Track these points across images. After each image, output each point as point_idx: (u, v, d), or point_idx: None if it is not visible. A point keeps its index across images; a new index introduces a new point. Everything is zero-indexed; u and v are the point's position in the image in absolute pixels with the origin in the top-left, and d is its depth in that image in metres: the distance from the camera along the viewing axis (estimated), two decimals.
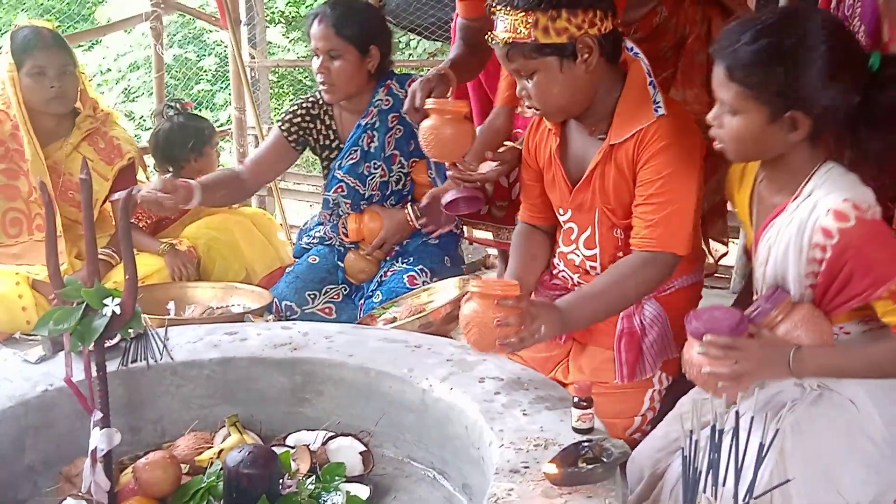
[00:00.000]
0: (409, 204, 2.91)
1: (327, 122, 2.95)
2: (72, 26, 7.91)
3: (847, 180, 1.65)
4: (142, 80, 8.61)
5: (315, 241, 3.08)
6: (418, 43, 7.87)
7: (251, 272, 3.41)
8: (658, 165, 1.96)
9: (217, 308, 2.86)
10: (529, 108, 2.07)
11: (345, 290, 2.96)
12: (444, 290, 2.64)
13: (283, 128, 2.92)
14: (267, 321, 2.60)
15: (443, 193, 2.61)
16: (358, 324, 2.57)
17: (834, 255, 1.61)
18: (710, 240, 2.81)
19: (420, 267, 2.81)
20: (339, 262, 2.98)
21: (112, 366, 1.79)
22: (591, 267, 2.17)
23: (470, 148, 2.29)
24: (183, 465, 1.69)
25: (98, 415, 1.50)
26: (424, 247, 2.89)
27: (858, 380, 1.66)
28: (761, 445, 1.29)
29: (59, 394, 1.74)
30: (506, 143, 2.52)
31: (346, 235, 2.95)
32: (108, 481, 1.51)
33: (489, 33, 1.97)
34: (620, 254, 2.08)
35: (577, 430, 1.57)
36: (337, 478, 1.68)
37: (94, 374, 1.51)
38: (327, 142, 2.97)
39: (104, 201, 3.24)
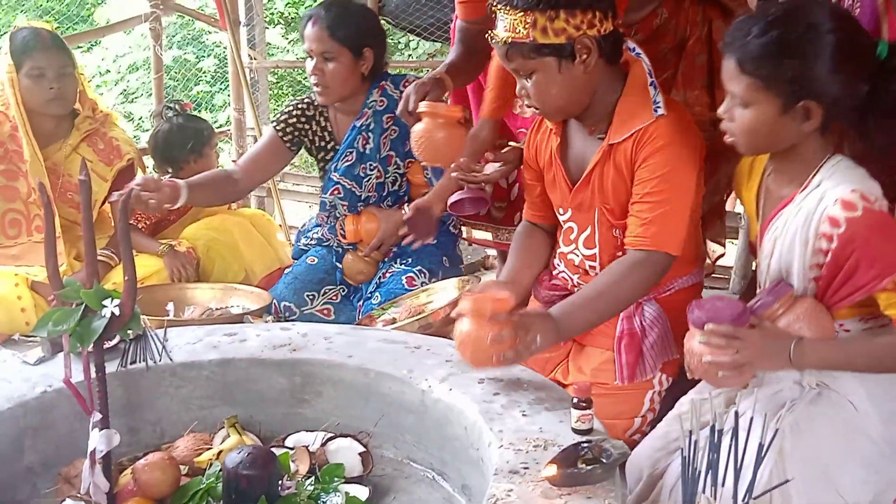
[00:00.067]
0: (405, 204, 2.90)
1: (322, 124, 2.95)
2: (71, 27, 7.92)
3: (856, 173, 1.66)
4: (141, 82, 8.61)
5: (313, 242, 3.08)
6: (418, 44, 7.88)
7: (250, 273, 3.41)
8: (655, 164, 1.96)
9: (216, 309, 2.86)
10: (529, 107, 2.07)
11: (343, 291, 2.96)
12: (443, 291, 2.64)
13: (278, 128, 2.92)
14: (266, 322, 2.60)
15: (426, 205, 2.63)
16: (357, 325, 2.57)
17: (840, 244, 1.61)
18: (707, 241, 2.81)
19: (418, 268, 2.81)
20: (338, 264, 2.98)
21: (111, 367, 1.78)
22: (590, 266, 2.17)
23: (461, 153, 2.29)
24: (182, 467, 1.69)
25: (97, 416, 1.50)
26: (423, 247, 2.88)
27: (857, 379, 1.66)
28: (760, 445, 1.29)
29: (58, 395, 1.74)
30: (510, 143, 2.52)
31: (344, 237, 2.95)
32: (107, 482, 1.50)
33: (489, 32, 1.97)
34: (620, 253, 2.08)
35: (576, 431, 1.57)
36: (336, 479, 1.67)
37: (94, 375, 1.51)
38: (323, 143, 2.97)
39: (103, 202, 3.24)
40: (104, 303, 1.46)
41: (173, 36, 8.46)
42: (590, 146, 2.08)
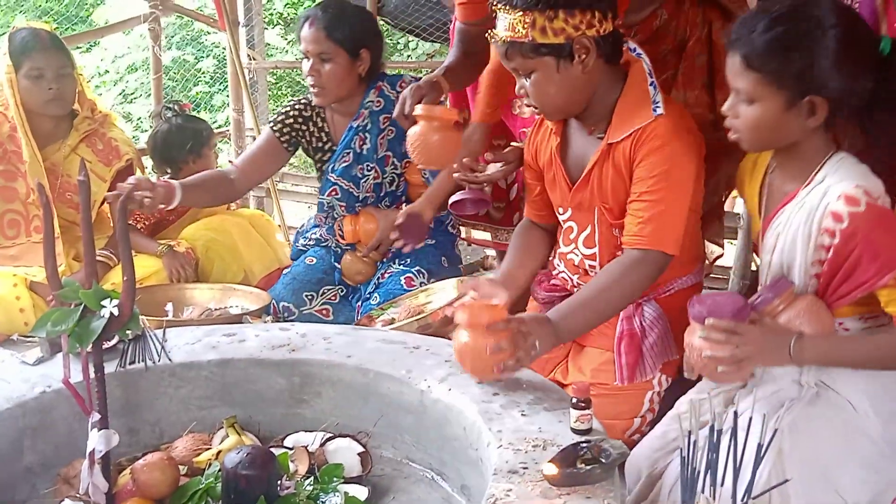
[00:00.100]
0: (403, 204, 2.90)
1: (319, 125, 2.95)
2: (70, 28, 7.91)
3: (859, 169, 1.67)
4: (140, 82, 8.61)
5: (311, 242, 3.08)
6: (417, 44, 7.88)
7: (249, 273, 3.41)
8: (653, 163, 1.96)
9: (215, 309, 2.86)
10: (528, 106, 2.08)
11: (342, 291, 2.96)
12: (442, 291, 2.64)
13: (275, 129, 2.92)
14: (265, 322, 2.60)
15: (417, 211, 2.64)
16: (356, 325, 2.57)
17: (842, 239, 1.62)
18: (705, 241, 2.81)
19: (417, 268, 2.81)
20: (336, 264, 2.98)
21: (110, 367, 1.78)
22: (590, 266, 2.17)
23: (457, 156, 2.29)
24: (181, 467, 1.69)
25: (96, 416, 1.50)
26: (421, 248, 2.89)
27: (856, 379, 1.66)
28: (759, 445, 1.29)
29: (57, 395, 1.74)
30: (512, 143, 2.52)
31: (343, 237, 2.95)
32: (106, 483, 1.51)
33: (490, 31, 1.97)
34: (619, 253, 2.08)
35: (575, 431, 1.57)
36: (335, 479, 1.67)
37: (93, 375, 1.51)
38: (320, 144, 2.96)
39: (102, 203, 3.24)
40: (103, 303, 1.46)
41: (172, 36, 8.45)
42: (589, 146, 2.08)
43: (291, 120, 2.92)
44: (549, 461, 1.43)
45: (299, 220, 4.23)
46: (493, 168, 2.38)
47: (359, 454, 1.76)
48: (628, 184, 2.02)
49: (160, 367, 1.89)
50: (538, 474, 1.43)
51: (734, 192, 3.07)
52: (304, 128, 2.94)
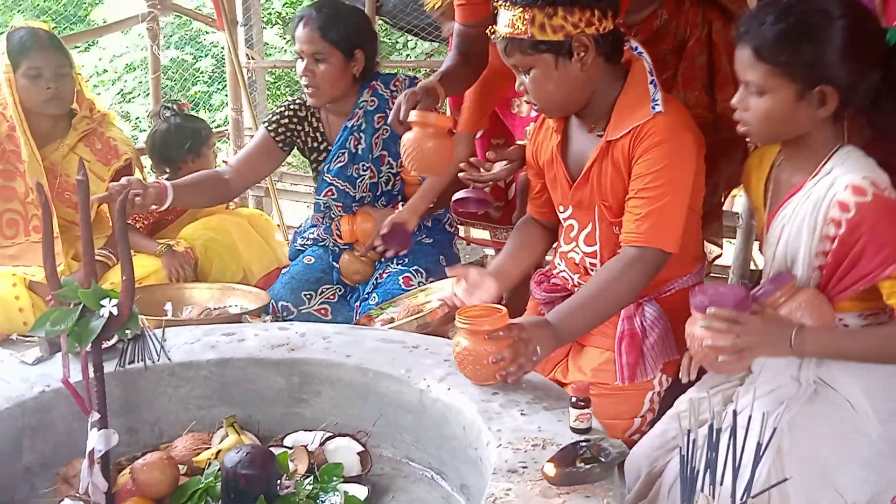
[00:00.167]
0: (400, 203, 2.90)
1: (314, 125, 2.95)
2: (68, 27, 7.91)
3: (866, 162, 1.67)
4: (138, 81, 8.62)
5: (309, 242, 3.08)
6: (416, 44, 7.89)
7: (248, 273, 3.40)
8: (651, 160, 1.95)
9: (214, 309, 2.86)
10: (527, 103, 2.08)
11: (340, 290, 2.96)
12: (441, 291, 2.63)
13: (269, 128, 2.91)
14: (264, 322, 2.60)
15: (401, 220, 2.66)
16: (355, 324, 2.57)
17: (848, 229, 1.62)
18: (704, 241, 2.81)
19: (415, 268, 2.81)
20: (334, 263, 2.97)
21: (109, 367, 1.78)
22: (591, 264, 2.16)
23: (451, 163, 2.29)
24: (181, 466, 1.69)
25: (95, 416, 1.49)
26: (419, 247, 2.89)
27: (855, 377, 1.66)
28: (759, 444, 1.29)
29: (56, 395, 1.74)
30: (518, 141, 2.52)
31: (340, 237, 2.95)
32: (106, 482, 1.50)
33: (491, 27, 1.97)
34: (620, 250, 2.08)
35: (574, 430, 1.57)
36: (335, 478, 1.67)
37: (92, 375, 1.51)
38: (315, 144, 2.96)
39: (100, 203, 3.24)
40: (102, 302, 1.46)
41: (171, 36, 8.46)
42: (589, 144, 2.08)
43: (286, 120, 2.91)
44: (549, 460, 1.42)
45: (298, 219, 4.23)
46: (499, 167, 2.38)
47: (358, 453, 1.76)
48: (627, 181, 2.02)
49: (159, 367, 1.89)
50: (537, 473, 1.43)
51: (734, 192, 3.07)
52: (298, 128, 2.93)
